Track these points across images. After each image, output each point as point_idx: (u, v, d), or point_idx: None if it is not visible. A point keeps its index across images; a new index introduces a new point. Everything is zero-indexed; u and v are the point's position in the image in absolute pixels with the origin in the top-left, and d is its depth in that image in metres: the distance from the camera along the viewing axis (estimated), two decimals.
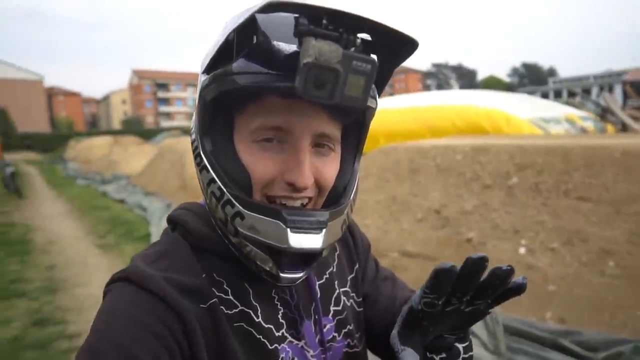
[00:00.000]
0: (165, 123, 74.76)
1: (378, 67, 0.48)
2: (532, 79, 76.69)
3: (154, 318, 0.53)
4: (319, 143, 0.58)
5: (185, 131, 29.55)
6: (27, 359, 3.33)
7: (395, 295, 0.80)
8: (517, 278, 0.57)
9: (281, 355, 0.61)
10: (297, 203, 0.58)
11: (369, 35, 0.51)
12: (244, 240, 0.56)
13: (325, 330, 0.68)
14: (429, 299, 0.58)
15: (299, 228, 0.54)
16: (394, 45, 0.53)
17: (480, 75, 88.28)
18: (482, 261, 0.54)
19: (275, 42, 0.51)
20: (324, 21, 0.47)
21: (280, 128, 0.55)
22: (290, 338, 0.64)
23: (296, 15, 0.47)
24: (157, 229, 6.72)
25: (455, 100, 12.95)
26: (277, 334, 0.62)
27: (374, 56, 0.48)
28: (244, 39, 0.51)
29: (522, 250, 3.64)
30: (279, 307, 0.64)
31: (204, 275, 0.59)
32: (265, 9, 0.46)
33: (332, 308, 0.71)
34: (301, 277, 0.59)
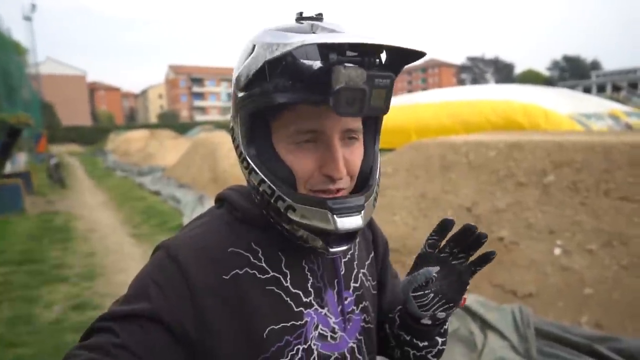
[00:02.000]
0: (199, 117, 76.41)
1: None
2: (573, 72, 73.43)
3: (170, 283, 0.66)
4: (345, 137, 0.68)
5: (219, 125, 30.09)
6: (66, 341, 3.50)
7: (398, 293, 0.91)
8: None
9: (306, 319, 0.72)
10: (334, 190, 0.69)
11: (385, 55, 0.63)
12: (296, 226, 0.67)
13: (346, 302, 0.79)
14: (432, 240, 0.76)
15: (342, 213, 0.65)
16: (404, 57, 0.64)
17: (518, 69, 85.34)
18: (474, 228, 0.71)
19: (302, 61, 0.62)
20: (348, 51, 0.58)
21: (314, 130, 0.66)
22: (315, 305, 0.74)
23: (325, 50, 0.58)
24: (190, 220, 6.88)
25: (491, 95, 12.58)
26: (304, 300, 0.73)
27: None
28: (275, 62, 0.61)
29: (557, 251, 3.50)
30: (308, 277, 0.75)
31: (229, 250, 0.71)
32: (299, 47, 0.57)
33: (352, 284, 0.81)
34: (346, 248, 0.70)
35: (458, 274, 0.75)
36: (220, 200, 0.80)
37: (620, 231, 3.37)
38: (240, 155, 0.70)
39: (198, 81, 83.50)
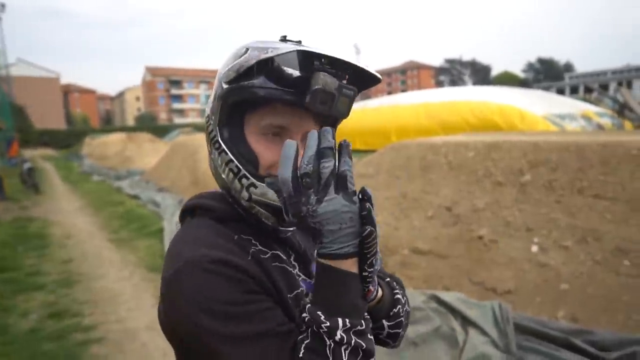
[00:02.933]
0: (178, 120, 75.32)
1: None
2: (547, 74, 75.37)
3: (238, 282, 0.72)
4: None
5: (198, 128, 29.75)
6: (43, 350, 3.41)
7: None
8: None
9: (303, 288, 0.80)
10: None
11: (351, 73, 0.77)
12: (254, 204, 0.77)
13: None
14: None
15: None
16: (365, 80, 0.79)
17: (495, 71, 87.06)
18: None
19: (285, 68, 0.74)
20: (327, 63, 0.72)
21: (282, 126, 0.77)
22: (303, 276, 0.83)
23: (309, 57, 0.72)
24: (170, 224, 6.79)
25: (469, 97, 12.82)
26: (295, 270, 0.83)
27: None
28: (264, 65, 0.73)
29: (534, 248, 3.60)
30: (290, 252, 0.84)
31: (235, 237, 0.78)
32: (289, 53, 0.71)
33: None
34: (294, 229, 0.83)
35: None
36: (190, 210, 0.86)
37: (594, 228, 3.48)
38: (213, 138, 0.80)
39: (176, 83, 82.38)
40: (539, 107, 11.18)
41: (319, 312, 0.66)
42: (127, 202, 10.05)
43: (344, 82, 0.74)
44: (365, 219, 0.68)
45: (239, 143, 0.78)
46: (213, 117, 0.81)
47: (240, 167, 0.77)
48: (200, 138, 12.56)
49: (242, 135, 0.78)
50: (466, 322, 2.97)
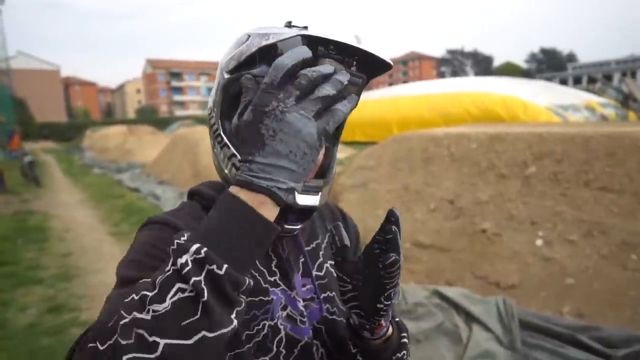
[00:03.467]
0: (179, 112, 75.23)
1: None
2: (550, 64, 74.84)
3: (162, 239, 0.66)
4: None
5: (199, 120, 29.65)
6: (42, 345, 3.39)
7: None
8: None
9: (272, 297, 0.74)
10: None
11: (359, 59, 0.69)
12: None
13: (304, 289, 0.80)
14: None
15: (303, 192, 0.70)
16: (375, 66, 0.70)
17: (497, 62, 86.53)
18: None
19: None
20: (332, 48, 0.65)
21: None
22: (283, 286, 0.76)
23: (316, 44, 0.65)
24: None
25: (471, 88, 12.70)
26: (269, 278, 0.76)
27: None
28: (266, 52, 0.68)
29: (539, 242, 3.54)
30: (272, 257, 0.78)
31: None
32: (289, 38, 0.64)
33: (314, 272, 0.82)
34: (299, 228, 0.75)
35: (379, 262, 0.66)
36: (191, 194, 0.84)
37: (600, 221, 3.41)
38: (215, 131, 0.75)
39: (177, 75, 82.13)
40: (542, 97, 11.07)
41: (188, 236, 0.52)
42: (128, 195, 10.02)
43: (352, 69, 0.67)
44: (390, 244, 0.62)
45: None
46: (215, 110, 0.76)
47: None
48: (201, 130, 12.49)
49: None
50: (470, 318, 2.92)
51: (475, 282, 3.53)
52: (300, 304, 0.77)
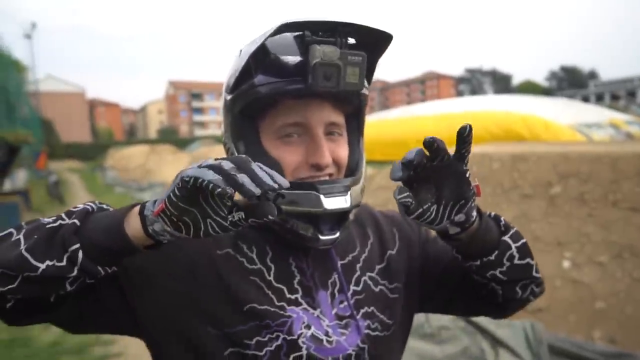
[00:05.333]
0: (199, 132, 76.67)
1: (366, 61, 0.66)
2: (571, 82, 73.94)
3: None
4: (330, 131, 0.72)
5: (218, 139, 30.11)
6: None
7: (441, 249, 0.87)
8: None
9: (290, 314, 0.70)
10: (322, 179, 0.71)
11: (354, 38, 0.67)
12: (287, 216, 0.68)
13: (342, 305, 0.75)
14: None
15: (329, 193, 0.67)
16: (374, 41, 0.68)
17: (516, 80, 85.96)
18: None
19: (282, 57, 0.66)
20: (321, 32, 0.63)
21: (298, 123, 0.69)
22: (305, 305, 0.72)
23: (299, 32, 0.65)
24: None
25: (490, 106, 12.63)
26: (287, 295, 0.72)
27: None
28: (259, 60, 0.65)
29: (566, 263, 3.43)
30: (295, 273, 0.73)
31: (231, 234, 0.71)
32: (275, 33, 0.62)
33: (351, 287, 0.77)
34: (337, 237, 0.69)
35: (448, 171, 0.62)
36: None
37: (631, 243, 3.30)
38: (228, 152, 0.74)
39: (197, 96, 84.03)
40: (564, 116, 10.91)
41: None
42: None
43: (347, 48, 0.64)
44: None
45: (256, 154, 0.69)
46: (226, 133, 0.74)
47: None
48: (221, 150, 12.64)
49: (259, 144, 0.71)
50: (496, 342, 2.82)
51: None
52: (326, 323, 0.72)
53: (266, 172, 0.51)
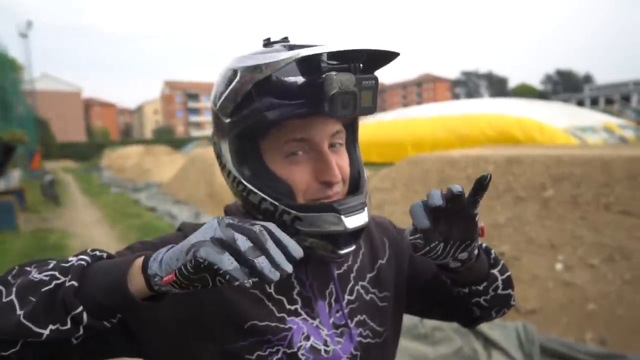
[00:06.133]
0: (195, 132, 76.44)
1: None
2: (566, 86, 74.38)
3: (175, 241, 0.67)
4: (332, 143, 0.71)
5: None
6: None
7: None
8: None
9: (290, 325, 0.71)
10: (332, 196, 0.70)
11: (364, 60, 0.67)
12: (304, 235, 0.68)
13: (338, 314, 0.76)
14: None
15: (349, 212, 0.67)
16: (381, 59, 0.69)
17: (512, 83, 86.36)
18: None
19: (285, 78, 0.65)
20: (332, 58, 0.64)
21: (303, 139, 0.68)
22: (304, 315, 0.73)
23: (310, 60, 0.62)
24: None
25: (486, 109, 12.68)
26: (287, 306, 0.72)
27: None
28: (261, 83, 0.63)
29: (559, 266, 3.47)
30: (295, 285, 0.74)
31: None
32: (289, 63, 0.60)
33: (346, 296, 0.78)
34: (353, 248, 0.71)
35: (459, 213, 0.66)
36: (225, 212, 0.83)
37: (622, 245, 3.34)
38: (233, 180, 0.72)
39: (193, 97, 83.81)
40: (559, 119, 10.99)
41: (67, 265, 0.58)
42: (144, 214, 10.14)
43: (360, 73, 0.65)
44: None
45: (264, 177, 0.69)
46: (225, 156, 0.72)
47: (277, 204, 0.67)
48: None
49: (264, 166, 0.69)
50: (489, 343, 2.85)
51: None
52: (324, 333, 0.73)
53: (282, 247, 0.50)
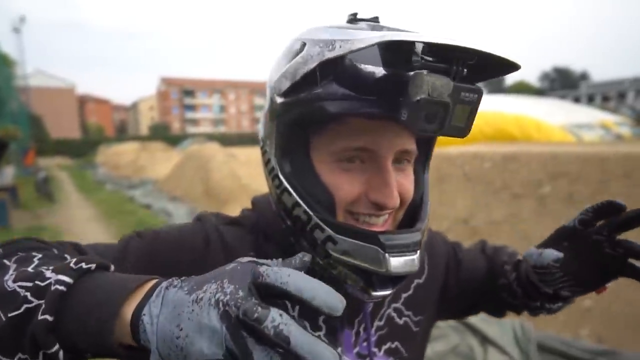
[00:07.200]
0: (191, 129, 76.24)
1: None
2: (563, 83, 74.65)
3: (192, 239, 0.63)
4: (399, 159, 0.59)
5: (211, 137, 29.98)
6: None
7: (475, 268, 0.85)
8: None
9: None
10: (381, 220, 0.59)
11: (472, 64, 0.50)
12: (335, 262, 0.56)
13: (365, 344, 0.68)
14: (587, 216, 0.66)
15: (396, 252, 0.54)
16: (494, 69, 0.52)
17: (509, 81, 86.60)
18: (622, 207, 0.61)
19: (362, 65, 0.52)
20: (428, 53, 0.48)
21: (364, 148, 0.55)
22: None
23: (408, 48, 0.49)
24: None
25: (483, 106, 12.67)
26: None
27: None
28: (329, 64, 0.50)
29: None
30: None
31: (251, 253, 0.63)
32: (371, 46, 0.46)
33: (375, 323, 0.69)
34: (390, 294, 0.58)
35: (595, 252, 0.65)
36: (253, 204, 0.72)
37: None
38: (271, 171, 0.60)
39: (189, 93, 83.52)
40: (556, 116, 11.01)
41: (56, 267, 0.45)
42: (140, 211, 10.09)
43: (460, 81, 0.48)
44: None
45: (306, 178, 0.57)
46: (269, 143, 0.61)
47: (311, 214, 0.55)
48: (212, 148, 12.62)
49: (309, 165, 0.58)
50: (485, 340, 2.85)
51: None
52: None
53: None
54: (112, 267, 0.49)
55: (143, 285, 0.42)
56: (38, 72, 62.02)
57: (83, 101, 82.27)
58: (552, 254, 0.67)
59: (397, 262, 0.54)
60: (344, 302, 0.38)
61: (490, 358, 2.72)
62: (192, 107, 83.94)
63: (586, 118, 11.52)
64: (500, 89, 73.86)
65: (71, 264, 0.45)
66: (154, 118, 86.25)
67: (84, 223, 9.48)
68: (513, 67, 0.51)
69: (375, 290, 0.56)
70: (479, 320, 3.03)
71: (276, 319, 0.34)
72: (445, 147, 7.14)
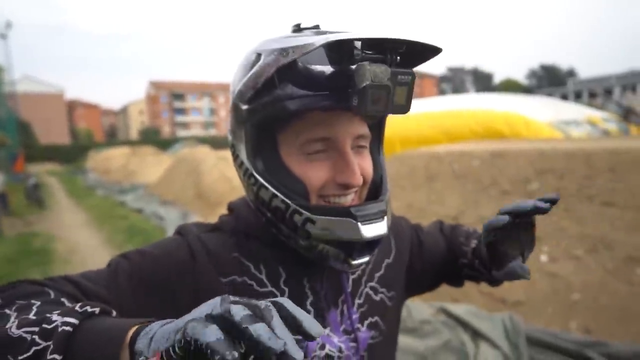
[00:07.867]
0: (181, 133, 75.80)
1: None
2: (550, 80, 75.39)
3: (177, 253, 0.68)
4: (357, 144, 0.67)
5: (202, 140, 29.84)
6: None
7: (436, 242, 0.94)
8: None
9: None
10: (349, 199, 0.66)
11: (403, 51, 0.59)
12: (316, 241, 0.63)
13: (349, 321, 0.74)
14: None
15: (367, 220, 0.62)
16: (421, 54, 0.62)
17: (497, 79, 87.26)
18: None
19: (313, 66, 0.60)
20: (366, 47, 0.57)
21: (325, 138, 0.63)
22: None
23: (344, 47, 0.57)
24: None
25: (472, 105, 12.78)
26: None
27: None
28: (286, 68, 0.58)
29: (543, 257, 3.53)
30: (309, 295, 0.70)
31: (233, 255, 0.69)
32: (317, 48, 0.54)
33: (356, 301, 0.76)
34: (368, 260, 0.67)
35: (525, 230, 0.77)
36: (230, 209, 0.78)
37: (605, 236, 3.41)
38: (245, 172, 0.67)
39: (179, 97, 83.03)
40: (544, 113, 11.14)
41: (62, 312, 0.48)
42: (131, 216, 10.04)
43: (395, 66, 0.57)
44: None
45: (278, 172, 0.64)
46: (239, 147, 0.67)
47: (288, 202, 0.62)
48: (203, 151, 12.56)
49: (279, 160, 0.64)
50: (476, 335, 2.89)
51: (480, 299, 3.51)
52: (336, 340, 0.72)
53: (295, 322, 0.38)
54: (114, 313, 0.52)
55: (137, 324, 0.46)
56: (26, 78, 61.30)
57: (72, 106, 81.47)
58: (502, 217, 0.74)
59: (369, 229, 0.62)
60: (321, 331, 0.39)
61: (482, 352, 2.76)
62: (182, 111, 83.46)
63: (574, 115, 11.67)
64: (489, 88, 74.40)
65: (76, 308, 0.49)
66: (144, 122, 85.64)
67: (75, 229, 9.40)
68: (436, 50, 0.60)
69: (354, 259, 0.64)
70: (470, 315, 3.07)
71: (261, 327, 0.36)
72: (433, 146, 7.20)
